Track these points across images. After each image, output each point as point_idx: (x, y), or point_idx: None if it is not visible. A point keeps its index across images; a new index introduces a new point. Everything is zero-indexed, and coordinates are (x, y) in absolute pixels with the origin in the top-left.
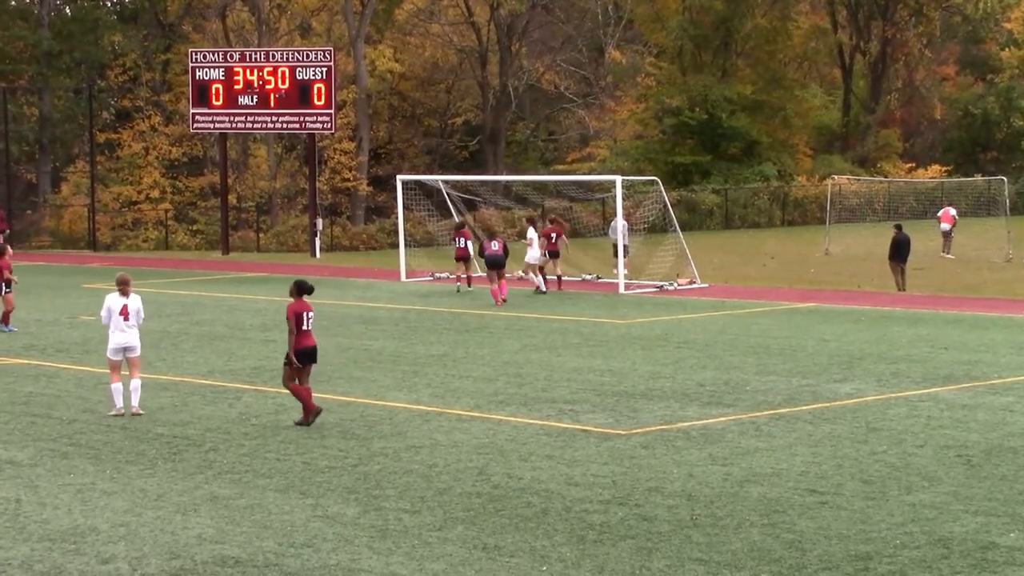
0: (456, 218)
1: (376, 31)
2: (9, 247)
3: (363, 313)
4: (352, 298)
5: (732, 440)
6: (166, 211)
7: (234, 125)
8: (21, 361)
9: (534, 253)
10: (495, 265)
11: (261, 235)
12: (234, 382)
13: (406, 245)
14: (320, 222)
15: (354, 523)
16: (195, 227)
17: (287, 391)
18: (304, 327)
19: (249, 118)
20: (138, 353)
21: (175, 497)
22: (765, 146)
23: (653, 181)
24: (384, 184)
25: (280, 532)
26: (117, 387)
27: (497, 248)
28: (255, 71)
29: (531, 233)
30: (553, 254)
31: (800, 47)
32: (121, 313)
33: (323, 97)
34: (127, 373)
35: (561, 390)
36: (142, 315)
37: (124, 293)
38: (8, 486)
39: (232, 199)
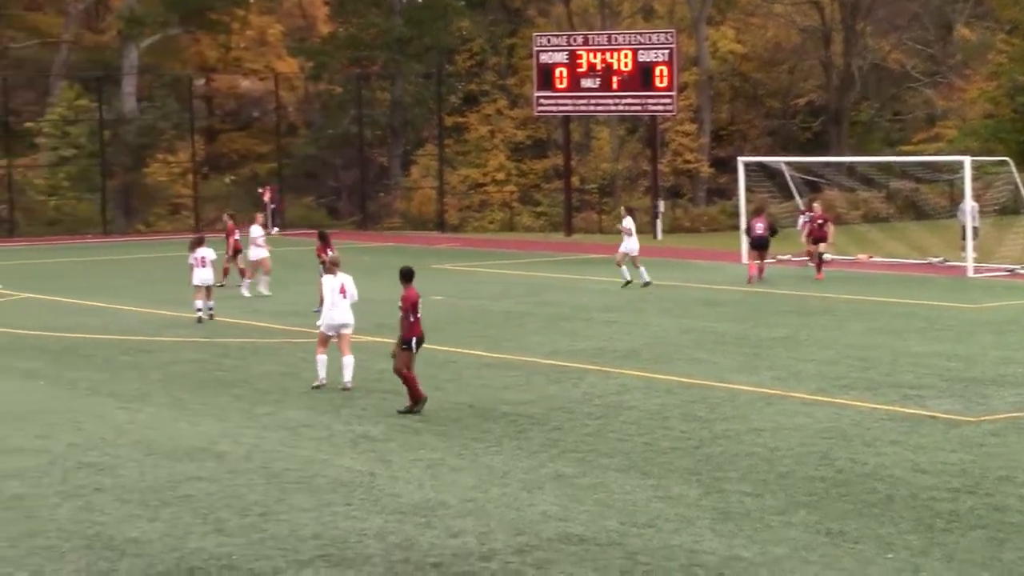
0: (798, 200)
1: (718, 12)
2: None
3: (705, 295)
4: (694, 280)
5: None
6: (511, 193)
7: (577, 108)
8: (374, 339)
9: (631, 244)
10: (758, 246)
11: (603, 217)
12: (578, 362)
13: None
14: (662, 204)
15: (696, 504)
16: (539, 209)
17: (398, 376)
18: (419, 314)
19: (592, 101)
20: (351, 331)
21: (520, 474)
22: None
23: (1004, 162)
24: (725, 166)
25: (623, 511)
26: (323, 359)
27: (762, 230)
28: (598, 54)
29: (628, 223)
30: (819, 239)
31: None
32: (340, 291)
33: (665, 79)
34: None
35: (906, 375)
36: (356, 295)
37: (334, 272)
38: (363, 460)
39: (575, 181)
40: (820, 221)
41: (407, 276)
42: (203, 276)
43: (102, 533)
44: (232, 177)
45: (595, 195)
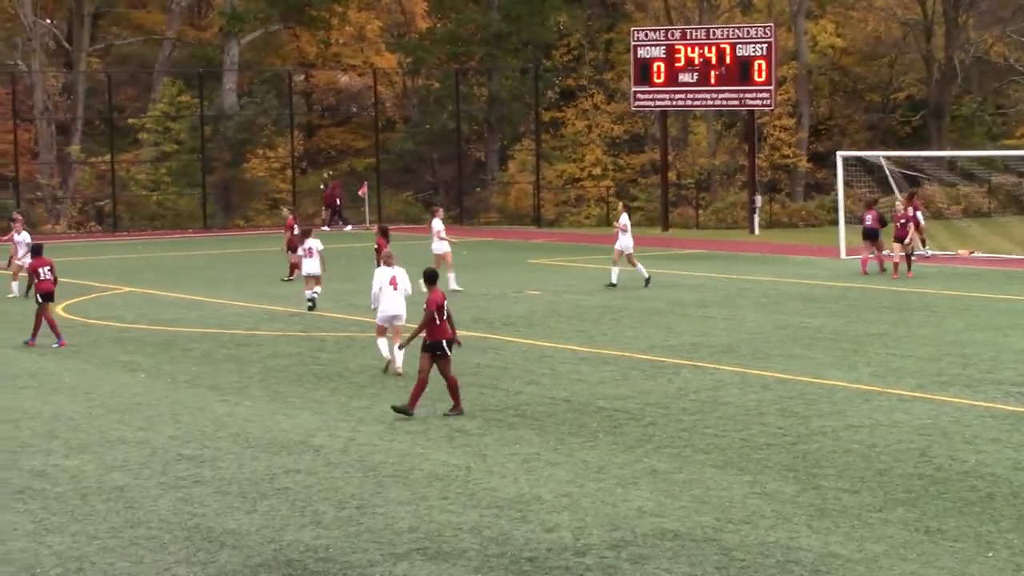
0: (897, 195)
1: (817, 6)
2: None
3: (802, 290)
4: (791, 275)
5: None
6: (607, 188)
7: (675, 103)
8: (471, 333)
9: (626, 241)
10: (868, 237)
11: (700, 212)
12: (673, 357)
13: (846, 222)
14: (759, 199)
15: (792, 501)
16: (635, 203)
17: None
18: (445, 316)
19: (689, 95)
20: (403, 322)
21: (616, 470)
22: None
23: None
24: (824, 160)
25: (718, 507)
26: (383, 341)
27: (871, 221)
28: (696, 48)
29: (623, 220)
30: (900, 239)
31: None
32: (391, 283)
33: (763, 73)
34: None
35: (1008, 371)
36: (409, 288)
37: (389, 265)
38: (459, 453)
39: (672, 176)
40: (902, 221)
41: (431, 278)
42: (310, 266)
43: (201, 524)
44: (330, 172)
45: (692, 190)
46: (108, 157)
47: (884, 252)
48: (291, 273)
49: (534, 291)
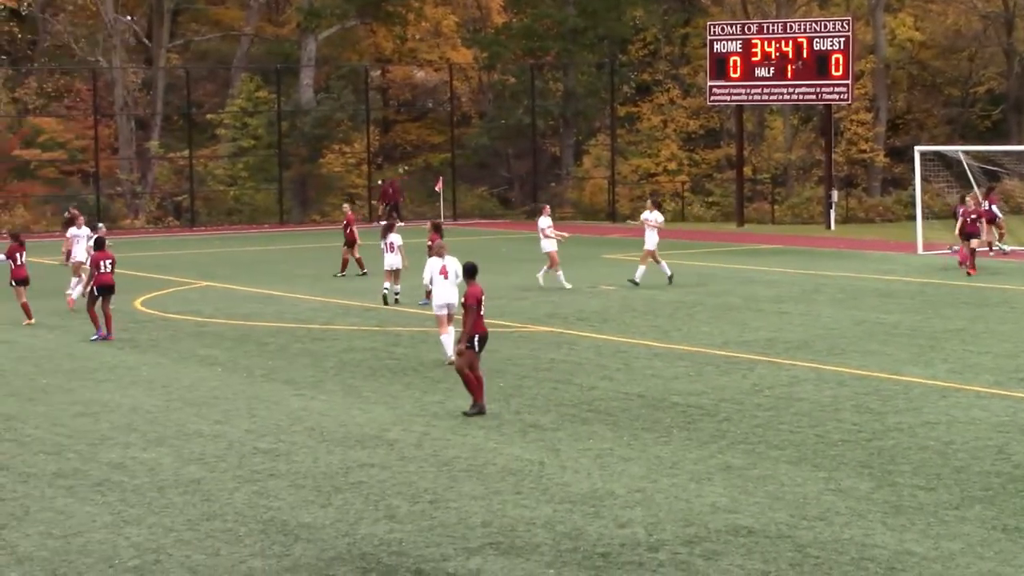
0: (975, 190)
1: (897, 0)
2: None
3: (878, 286)
4: (867, 271)
5: None
6: (683, 183)
7: (751, 97)
8: (544, 328)
9: (651, 237)
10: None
11: (776, 207)
12: (748, 353)
13: (924, 217)
14: (835, 194)
15: (867, 498)
16: (710, 199)
17: (459, 375)
18: (483, 311)
19: (766, 90)
20: (454, 310)
21: (689, 465)
22: None
23: None
24: (901, 155)
25: (792, 504)
26: (447, 338)
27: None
28: (772, 43)
29: (650, 215)
30: (971, 235)
31: None
32: (441, 272)
33: (841, 68)
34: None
35: None
36: (460, 275)
37: (440, 255)
38: (533, 448)
39: (747, 171)
40: (972, 216)
41: (471, 272)
42: (391, 261)
43: (276, 518)
44: (406, 167)
45: (768, 185)
46: (186, 152)
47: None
48: (342, 268)
49: (609, 286)
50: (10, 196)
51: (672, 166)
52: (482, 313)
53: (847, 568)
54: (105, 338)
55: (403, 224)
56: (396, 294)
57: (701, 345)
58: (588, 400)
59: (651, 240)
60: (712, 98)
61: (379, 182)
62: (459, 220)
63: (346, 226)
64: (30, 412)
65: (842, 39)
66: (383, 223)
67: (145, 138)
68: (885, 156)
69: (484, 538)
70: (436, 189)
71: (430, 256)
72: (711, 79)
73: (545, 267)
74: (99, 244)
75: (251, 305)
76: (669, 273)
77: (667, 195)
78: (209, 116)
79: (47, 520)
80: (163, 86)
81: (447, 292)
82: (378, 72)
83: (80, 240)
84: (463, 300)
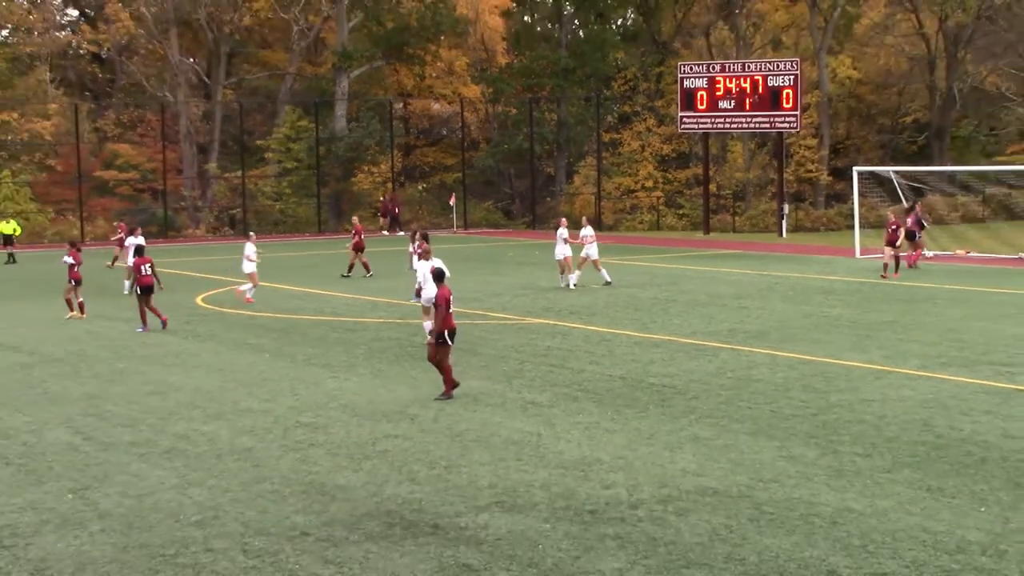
0: (904, 203)
1: (837, 43)
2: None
3: (823, 285)
4: (813, 272)
5: None
6: (658, 198)
7: (715, 126)
8: (541, 320)
9: (591, 250)
10: (909, 238)
11: (736, 218)
12: (713, 341)
13: (861, 227)
14: (787, 207)
15: (814, 463)
16: (681, 211)
17: (433, 364)
18: (451, 310)
19: (728, 120)
20: None
21: (664, 436)
22: None
23: None
24: (842, 174)
25: (751, 469)
26: (427, 324)
27: (911, 224)
28: (733, 79)
29: (586, 231)
30: (891, 243)
31: None
32: (432, 272)
33: (791, 101)
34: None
35: (999, 354)
36: (447, 275)
37: (426, 258)
38: (532, 422)
39: (712, 187)
40: (893, 227)
41: (439, 276)
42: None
43: (316, 481)
44: (424, 185)
45: (729, 199)
46: (240, 173)
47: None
48: (349, 270)
49: (596, 285)
50: (92, 210)
51: (649, 183)
52: (451, 311)
53: (796, 523)
54: (163, 326)
55: (401, 233)
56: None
57: (674, 334)
58: (578, 381)
59: (594, 251)
60: (683, 126)
61: (380, 198)
62: (469, 229)
63: (355, 234)
64: (110, 392)
65: (792, 76)
66: (412, 230)
67: (205, 161)
68: (828, 175)
69: (491, 498)
70: (450, 203)
71: (419, 260)
72: (681, 110)
73: (572, 272)
74: (139, 251)
75: (295, 301)
76: (608, 279)
77: (644, 208)
78: (259, 142)
79: (123, 482)
80: (220, 117)
81: (432, 290)
82: (400, 104)
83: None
84: (434, 300)
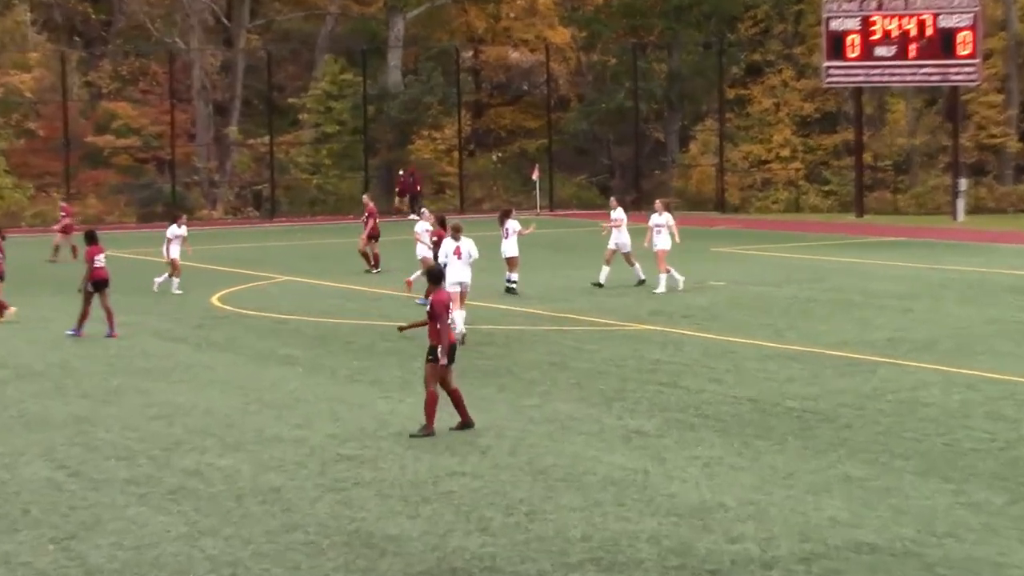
0: None
1: None
2: None
3: (1012, 282)
4: (999, 265)
5: None
6: (796, 170)
7: (870, 78)
8: (648, 327)
9: (621, 238)
10: None
11: (898, 196)
12: (869, 354)
13: None
14: (963, 182)
15: (1002, 512)
16: (827, 187)
17: (425, 392)
18: (449, 320)
19: (886, 71)
20: (466, 288)
21: (806, 476)
22: None
23: None
24: None
25: (919, 519)
26: (457, 314)
27: None
28: (894, 19)
29: (618, 213)
30: None
31: None
32: (455, 252)
33: (968, 46)
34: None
35: None
36: (475, 253)
37: (456, 238)
38: (636, 456)
39: (867, 157)
40: None
41: (436, 277)
42: (509, 248)
43: (361, 529)
44: (499, 154)
45: (890, 172)
46: (267, 139)
47: None
48: (374, 264)
49: (717, 282)
50: (82, 185)
51: (785, 152)
52: (448, 322)
53: None
54: (109, 332)
55: (416, 217)
56: (513, 283)
57: (817, 345)
58: (695, 404)
59: (625, 239)
60: (828, 79)
61: (400, 173)
62: (556, 210)
63: (368, 218)
64: (101, 414)
65: (970, 15)
66: (501, 209)
67: (223, 124)
68: (1019, 141)
69: (584, 553)
70: (533, 178)
71: (450, 238)
72: (827, 59)
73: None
74: (91, 238)
75: (334, 301)
76: (641, 277)
77: (780, 183)
78: (291, 100)
79: (118, 530)
80: (243, 69)
81: (459, 272)
82: (470, 53)
83: (175, 239)
84: (428, 308)
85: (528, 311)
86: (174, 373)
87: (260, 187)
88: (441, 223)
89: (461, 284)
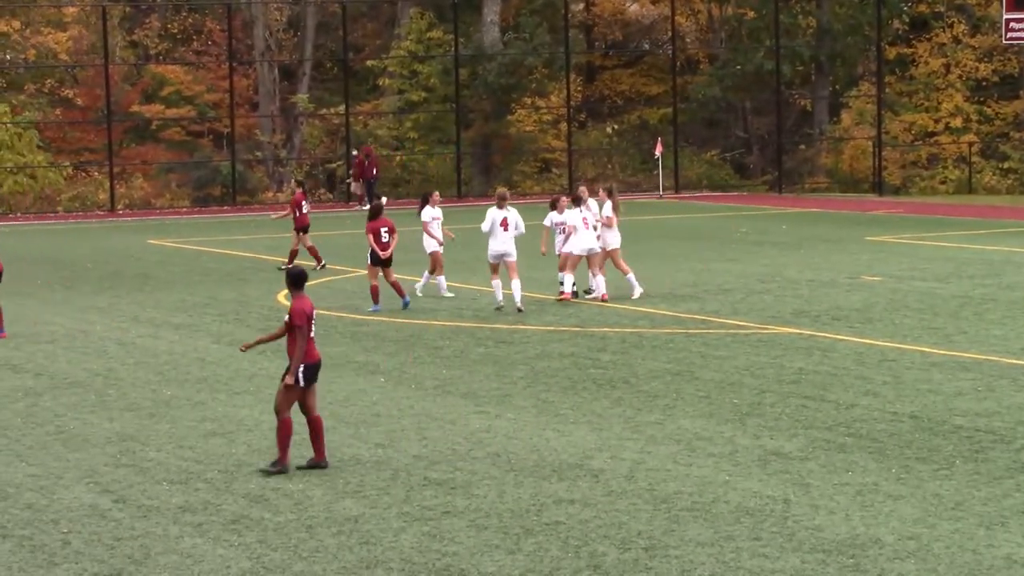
0: None
1: None
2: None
3: None
4: None
5: None
6: (970, 144)
7: None
8: (790, 330)
9: (581, 241)
10: None
11: None
12: None
13: None
14: None
15: None
16: (1006, 164)
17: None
18: (311, 333)
19: None
20: (514, 259)
21: (977, 506)
22: None
23: None
24: None
25: None
26: (497, 283)
27: None
28: None
29: (607, 209)
30: None
31: None
32: (501, 224)
33: None
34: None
35: None
36: (521, 227)
37: (501, 207)
38: (775, 483)
39: None
40: None
41: (296, 281)
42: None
43: (452, 566)
44: (614, 126)
45: None
46: (342, 108)
47: None
48: (318, 262)
49: (873, 277)
50: (127, 163)
51: (956, 123)
52: (312, 336)
53: None
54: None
55: (385, 202)
56: (574, 285)
57: (994, 352)
58: (846, 421)
59: (613, 238)
60: (1009, 35)
61: (354, 153)
62: (682, 192)
63: (295, 207)
64: (151, 431)
65: None
66: (552, 198)
67: (291, 91)
68: None
69: None
70: (655, 153)
71: (496, 207)
72: (1008, 11)
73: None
74: (376, 212)
75: (420, 299)
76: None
77: (950, 160)
78: (370, 63)
79: (171, 565)
80: (313, 26)
81: (504, 243)
82: (580, 5)
83: (433, 223)
84: (287, 319)
85: (649, 311)
86: (234, 383)
87: (334, 165)
88: (376, 212)
89: (506, 255)
